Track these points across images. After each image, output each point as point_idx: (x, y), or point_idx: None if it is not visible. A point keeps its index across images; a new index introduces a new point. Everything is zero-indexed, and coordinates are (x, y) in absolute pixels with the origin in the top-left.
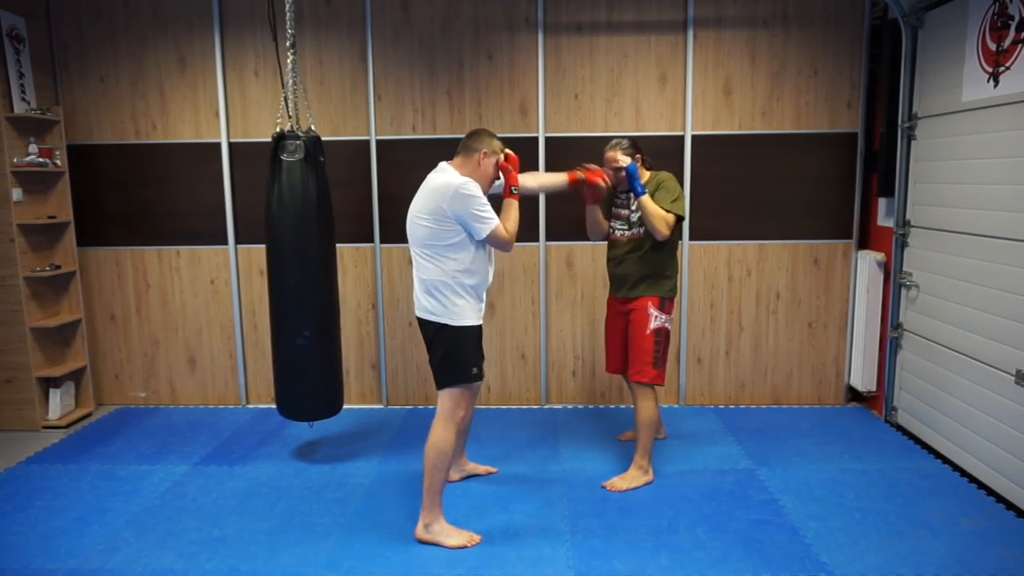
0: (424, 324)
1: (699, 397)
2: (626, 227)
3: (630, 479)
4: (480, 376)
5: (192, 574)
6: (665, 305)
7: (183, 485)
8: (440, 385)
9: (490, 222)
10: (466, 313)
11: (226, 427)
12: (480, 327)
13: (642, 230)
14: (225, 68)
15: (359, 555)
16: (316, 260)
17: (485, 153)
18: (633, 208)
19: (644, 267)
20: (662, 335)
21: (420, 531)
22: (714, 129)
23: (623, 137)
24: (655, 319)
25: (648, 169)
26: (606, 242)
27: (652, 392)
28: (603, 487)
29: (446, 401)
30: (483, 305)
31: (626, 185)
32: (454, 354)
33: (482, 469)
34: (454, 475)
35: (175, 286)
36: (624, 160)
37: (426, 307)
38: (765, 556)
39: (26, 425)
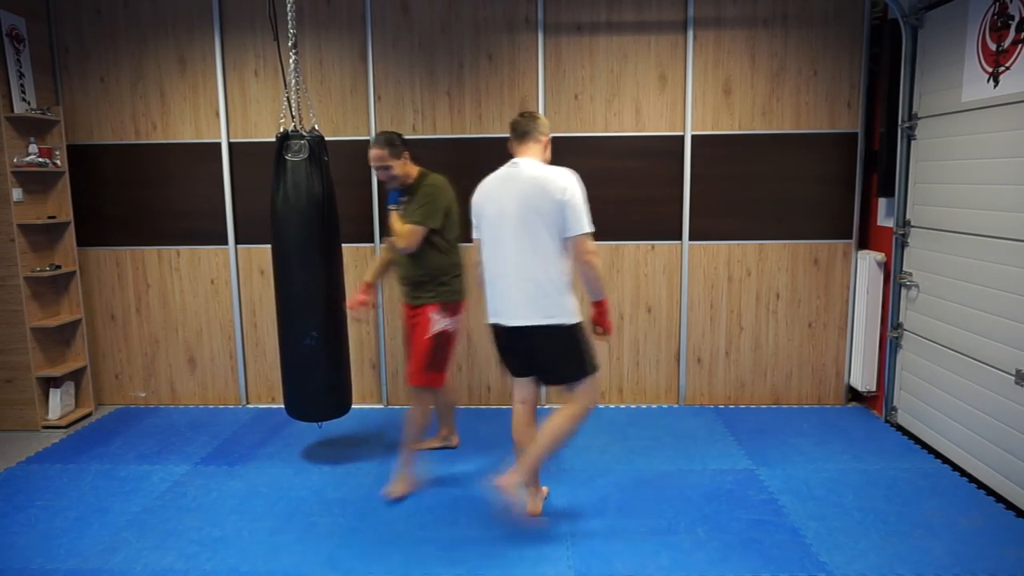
0: (531, 332)
1: (699, 397)
2: None
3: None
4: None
5: (192, 574)
6: (448, 308)
7: (183, 485)
8: (573, 380)
9: (587, 226)
10: (576, 305)
11: (226, 427)
12: None
13: None
14: (225, 68)
15: (359, 555)
16: (322, 259)
17: (548, 137)
18: (403, 210)
19: (419, 269)
20: (443, 338)
21: (508, 480)
22: (714, 129)
23: (391, 132)
24: (436, 324)
25: (417, 166)
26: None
27: (426, 396)
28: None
29: (587, 392)
30: None
31: (395, 185)
32: (581, 346)
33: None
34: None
35: (175, 286)
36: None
37: (543, 311)
38: (765, 556)
39: (26, 425)
